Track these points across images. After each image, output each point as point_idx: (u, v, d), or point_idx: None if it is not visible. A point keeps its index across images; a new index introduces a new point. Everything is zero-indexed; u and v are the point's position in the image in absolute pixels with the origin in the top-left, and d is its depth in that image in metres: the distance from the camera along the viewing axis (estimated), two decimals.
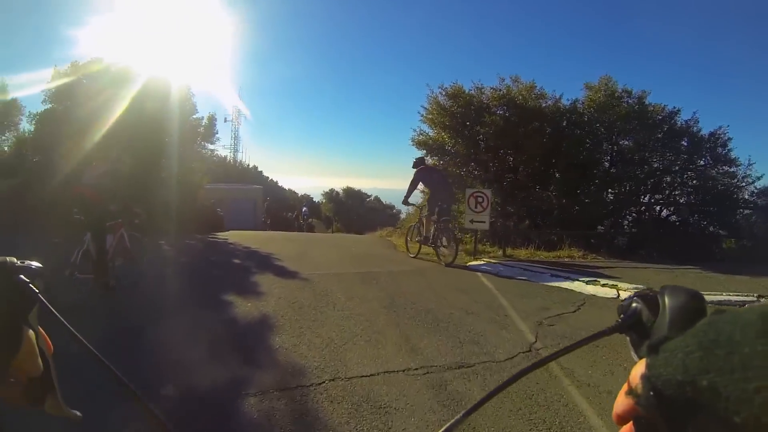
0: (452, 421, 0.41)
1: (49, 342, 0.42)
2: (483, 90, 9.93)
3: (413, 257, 6.97)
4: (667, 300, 0.36)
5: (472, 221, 7.08)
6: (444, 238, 6.52)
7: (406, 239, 7.51)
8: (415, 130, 10.42)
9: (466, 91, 9.87)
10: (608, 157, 10.27)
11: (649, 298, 0.38)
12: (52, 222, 6.20)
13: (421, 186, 7.29)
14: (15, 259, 0.39)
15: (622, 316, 0.39)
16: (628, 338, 0.39)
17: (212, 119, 14.48)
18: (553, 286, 5.24)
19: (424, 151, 10.12)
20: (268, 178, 45.36)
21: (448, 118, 9.73)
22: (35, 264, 0.41)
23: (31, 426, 1.68)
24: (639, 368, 0.31)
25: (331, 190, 41.20)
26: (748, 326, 0.25)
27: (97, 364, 0.41)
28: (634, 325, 0.38)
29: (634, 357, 0.36)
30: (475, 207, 6.98)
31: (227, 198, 26.12)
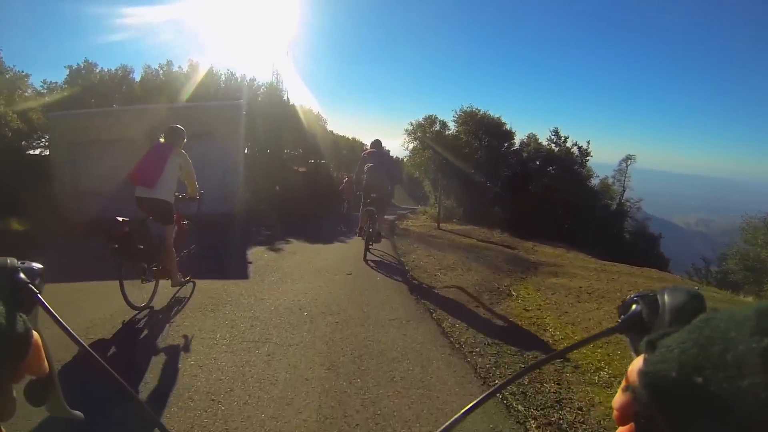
0: (451, 420, 0.41)
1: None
2: None
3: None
4: (666, 299, 0.36)
5: None
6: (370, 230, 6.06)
7: None
8: None
9: None
10: None
11: (649, 299, 0.38)
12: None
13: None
14: (15, 260, 0.39)
15: (622, 316, 0.39)
16: (627, 338, 0.38)
17: None
18: None
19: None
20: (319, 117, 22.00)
21: None
22: (36, 265, 0.41)
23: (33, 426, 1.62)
24: (637, 364, 0.31)
25: (431, 119, 18.52)
26: (743, 323, 0.26)
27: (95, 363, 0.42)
28: (634, 326, 0.38)
29: (634, 356, 0.36)
30: None
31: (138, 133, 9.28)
